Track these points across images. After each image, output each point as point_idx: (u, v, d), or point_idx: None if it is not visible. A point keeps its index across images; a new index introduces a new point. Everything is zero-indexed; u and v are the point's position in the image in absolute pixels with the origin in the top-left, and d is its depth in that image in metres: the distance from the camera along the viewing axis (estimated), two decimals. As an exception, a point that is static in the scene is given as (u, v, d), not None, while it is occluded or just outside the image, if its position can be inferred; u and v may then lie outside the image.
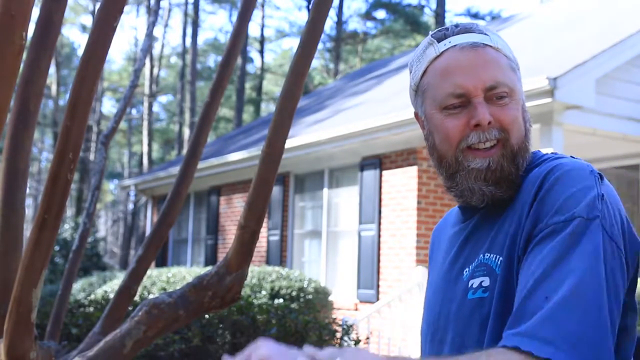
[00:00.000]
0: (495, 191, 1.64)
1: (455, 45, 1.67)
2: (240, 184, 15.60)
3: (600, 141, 10.79)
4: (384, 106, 12.52)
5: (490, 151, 1.63)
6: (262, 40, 43.57)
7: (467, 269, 1.67)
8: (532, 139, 1.72)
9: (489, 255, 1.61)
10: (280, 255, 14.07)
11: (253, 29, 42.15)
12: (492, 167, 1.63)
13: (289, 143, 12.31)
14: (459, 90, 1.63)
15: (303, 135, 13.04)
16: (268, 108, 48.99)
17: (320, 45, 38.51)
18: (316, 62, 44.73)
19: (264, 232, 14.37)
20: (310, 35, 2.19)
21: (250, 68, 45.68)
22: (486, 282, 1.58)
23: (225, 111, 47.12)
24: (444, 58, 1.68)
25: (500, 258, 1.57)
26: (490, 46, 1.66)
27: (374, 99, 14.58)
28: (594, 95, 9.46)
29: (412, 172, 11.07)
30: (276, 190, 14.04)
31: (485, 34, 1.69)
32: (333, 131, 12.01)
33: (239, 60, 35.12)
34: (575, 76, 9.21)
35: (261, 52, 43.61)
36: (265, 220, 12.60)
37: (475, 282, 1.61)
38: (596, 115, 9.71)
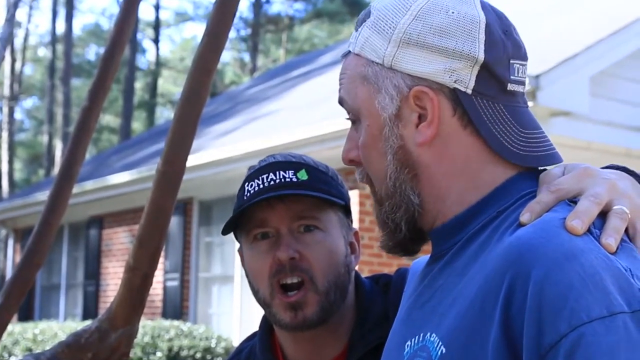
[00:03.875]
0: None
1: None
2: (129, 213, 15.51)
3: (597, 158, 10.74)
4: (315, 112, 12.56)
5: None
6: (157, 26, 43.51)
7: (409, 343, 1.56)
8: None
9: (433, 337, 1.48)
10: (180, 305, 14.01)
11: (146, 11, 42.06)
12: None
13: (192, 160, 12.26)
14: None
15: (210, 149, 13.03)
16: (164, 115, 48.86)
17: (233, 33, 38.56)
18: (228, 55, 44.78)
19: (159, 275, 14.28)
20: (220, 19, 2.20)
21: (141, 62, 45.56)
22: None
23: (109, 119, 46.90)
24: None
25: (443, 348, 1.44)
26: None
27: (302, 103, 14.64)
28: (588, 98, 9.43)
29: (352, 197, 11.07)
30: (175, 222, 13.97)
31: None
32: (249, 145, 12.00)
33: (127, 52, 34.98)
34: (564, 73, 9.23)
35: (156, 41, 43.58)
36: (161, 260, 12.51)
37: None
38: (591, 123, 9.60)
